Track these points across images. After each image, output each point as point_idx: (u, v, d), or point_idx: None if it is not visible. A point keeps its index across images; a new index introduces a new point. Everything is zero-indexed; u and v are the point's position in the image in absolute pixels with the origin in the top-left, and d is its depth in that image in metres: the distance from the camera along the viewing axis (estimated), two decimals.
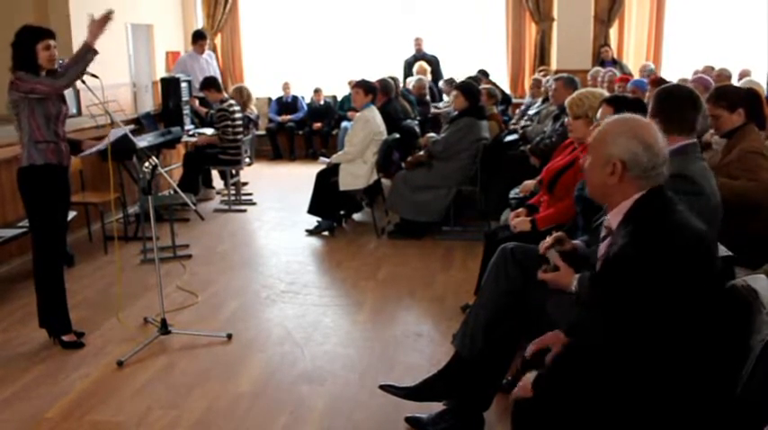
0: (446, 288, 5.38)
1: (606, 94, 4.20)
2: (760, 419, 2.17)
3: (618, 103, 3.57)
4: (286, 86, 12.07)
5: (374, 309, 5.03)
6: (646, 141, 2.30)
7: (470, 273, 5.27)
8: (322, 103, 12.01)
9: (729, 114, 4.23)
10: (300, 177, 9.40)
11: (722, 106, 4.24)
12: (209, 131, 8.24)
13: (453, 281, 5.54)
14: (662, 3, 11.57)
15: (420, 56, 11.47)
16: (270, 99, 12.33)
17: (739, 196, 3.91)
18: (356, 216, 7.52)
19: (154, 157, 4.44)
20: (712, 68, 9.18)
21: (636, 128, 2.34)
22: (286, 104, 12.10)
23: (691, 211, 2.65)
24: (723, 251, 3.09)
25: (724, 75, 8.67)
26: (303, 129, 11.93)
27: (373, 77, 7.75)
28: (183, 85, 8.72)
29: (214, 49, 11.79)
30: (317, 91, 12.03)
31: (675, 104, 3.11)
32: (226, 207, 8.19)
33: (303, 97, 12.20)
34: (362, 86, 7.04)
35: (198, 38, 9.73)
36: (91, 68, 4.24)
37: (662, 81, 7.35)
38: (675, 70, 10.25)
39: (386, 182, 7.32)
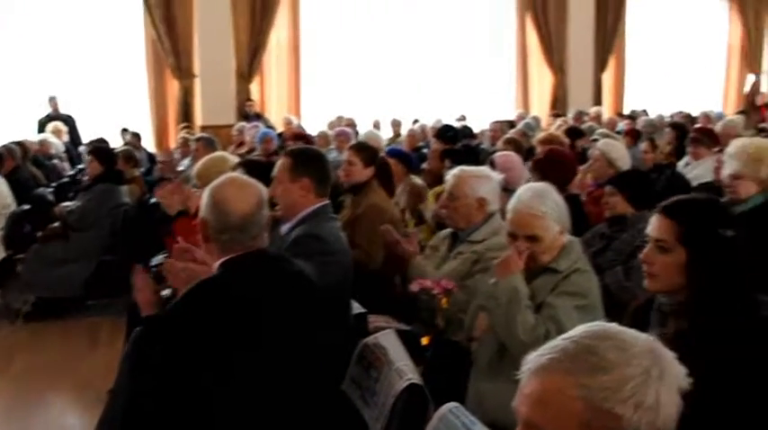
0: (93, 371, 4.92)
1: (234, 159, 4.23)
2: None
3: (250, 168, 3.62)
4: None
5: (7, 409, 4.48)
6: (216, 198, 2.27)
7: (118, 352, 4.89)
8: None
9: (363, 168, 4.31)
10: None
11: (361, 158, 4.33)
12: None
13: (101, 362, 5.08)
14: (298, 58, 12.23)
15: (55, 115, 10.68)
16: None
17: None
18: None
19: None
20: (341, 118, 10.09)
21: (215, 187, 2.31)
22: None
23: (324, 270, 2.75)
24: (357, 308, 3.26)
25: (353, 124, 9.61)
26: None
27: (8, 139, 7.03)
28: None
29: None
30: None
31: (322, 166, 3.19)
32: None
33: None
34: None
35: None
36: None
37: (303, 136, 7.88)
38: (314, 123, 10.85)
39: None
